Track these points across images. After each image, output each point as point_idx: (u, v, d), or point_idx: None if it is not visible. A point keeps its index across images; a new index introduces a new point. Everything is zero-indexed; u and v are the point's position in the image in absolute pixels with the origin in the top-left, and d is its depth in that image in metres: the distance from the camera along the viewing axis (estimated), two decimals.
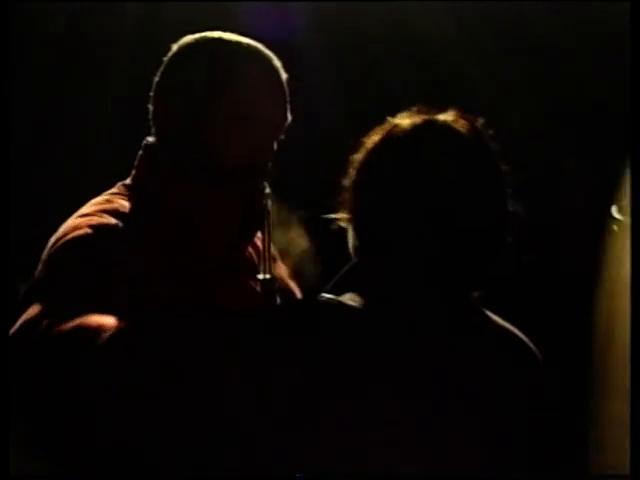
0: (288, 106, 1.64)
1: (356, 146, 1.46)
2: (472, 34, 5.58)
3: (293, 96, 1.65)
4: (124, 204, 1.55)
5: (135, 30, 5.25)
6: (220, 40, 1.62)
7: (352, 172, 1.43)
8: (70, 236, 1.47)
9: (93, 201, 1.61)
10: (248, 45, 1.62)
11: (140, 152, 1.65)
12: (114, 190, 1.65)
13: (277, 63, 1.63)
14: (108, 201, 1.58)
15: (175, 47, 1.65)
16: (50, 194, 3.98)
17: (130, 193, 1.59)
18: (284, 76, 1.63)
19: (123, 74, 4.75)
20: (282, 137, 1.65)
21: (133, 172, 1.65)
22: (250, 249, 1.67)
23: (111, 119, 4.71)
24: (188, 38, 1.66)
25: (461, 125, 1.39)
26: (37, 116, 5.06)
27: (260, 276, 1.62)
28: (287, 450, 1.35)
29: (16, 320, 1.42)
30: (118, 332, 1.35)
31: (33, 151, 4.85)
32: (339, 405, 1.33)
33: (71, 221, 1.54)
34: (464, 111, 1.43)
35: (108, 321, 1.33)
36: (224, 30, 1.70)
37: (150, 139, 1.65)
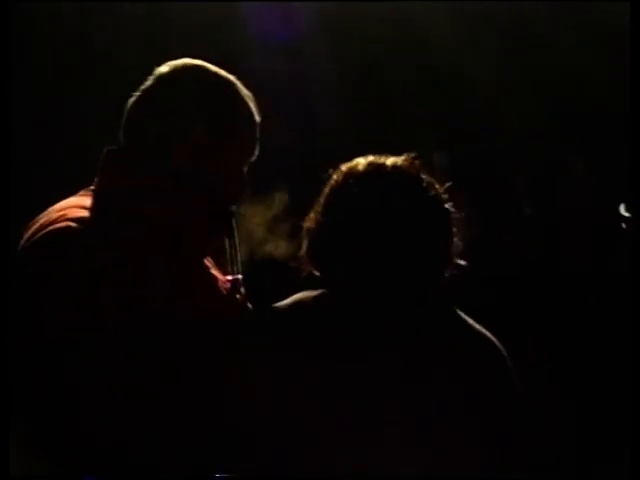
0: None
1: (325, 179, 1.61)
2: (473, 34, 5.60)
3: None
4: (95, 205, 1.55)
5: (136, 30, 5.26)
6: (210, 69, 1.67)
7: (317, 207, 1.59)
8: (49, 229, 1.46)
9: (64, 202, 1.60)
10: (233, 79, 1.67)
11: (105, 158, 1.62)
12: (81, 193, 1.62)
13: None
14: (79, 201, 1.57)
15: (166, 69, 1.65)
16: (50, 194, 3.96)
17: (100, 197, 1.58)
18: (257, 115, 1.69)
19: (123, 74, 4.75)
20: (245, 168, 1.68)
21: (100, 178, 1.61)
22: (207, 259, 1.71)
23: (111, 119, 4.70)
24: (177, 63, 1.68)
25: (408, 168, 1.57)
26: (37, 116, 5.07)
27: (230, 277, 1.68)
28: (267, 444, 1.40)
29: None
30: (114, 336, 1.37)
31: (33, 151, 4.86)
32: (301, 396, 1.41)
33: (44, 218, 1.53)
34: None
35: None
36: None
37: (113, 147, 1.62)
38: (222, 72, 1.67)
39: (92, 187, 1.63)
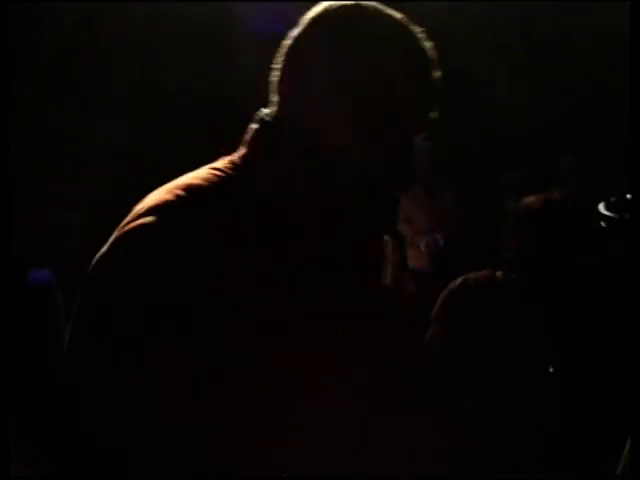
0: None
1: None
2: (482, 33, 5.59)
3: None
4: (231, 185, 1.20)
5: (136, 31, 5.25)
6: (396, 20, 1.25)
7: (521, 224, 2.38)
8: (131, 227, 1.13)
9: (193, 175, 1.22)
10: (413, 29, 1.26)
11: (257, 127, 1.25)
12: (219, 166, 1.25)
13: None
14: (205, 179, 1.20)
15: (329, 14, 1.23)
16: (50, 193, 3.96)
17: (241, 174, 1.22)
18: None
19: (123, 74, 4.74)
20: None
21: (244, 150, 1.26)
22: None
23: (111, 119, 4.70)
24: (343, 5, 1.24)
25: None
26: (37, 116, 5.05)
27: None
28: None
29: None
30: None
31: (33, 151, 4.84)
32: None
33: (154, 198, 1.18)
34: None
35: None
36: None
37: (267, 116, 1.25)
38: (391, 13, 1.28)
39: (235, 159, 1.27)
